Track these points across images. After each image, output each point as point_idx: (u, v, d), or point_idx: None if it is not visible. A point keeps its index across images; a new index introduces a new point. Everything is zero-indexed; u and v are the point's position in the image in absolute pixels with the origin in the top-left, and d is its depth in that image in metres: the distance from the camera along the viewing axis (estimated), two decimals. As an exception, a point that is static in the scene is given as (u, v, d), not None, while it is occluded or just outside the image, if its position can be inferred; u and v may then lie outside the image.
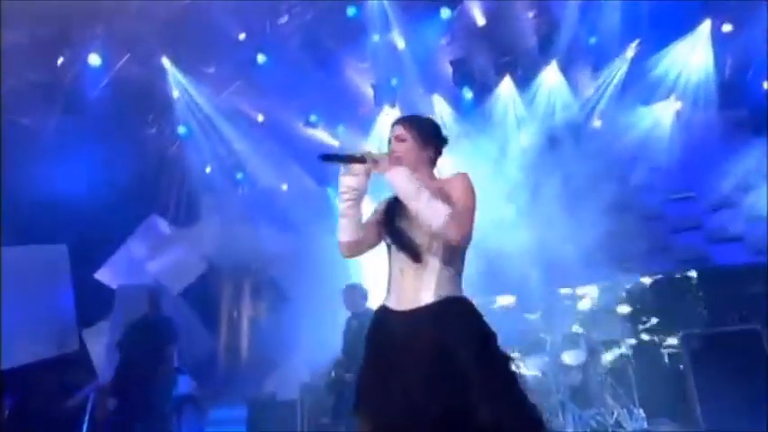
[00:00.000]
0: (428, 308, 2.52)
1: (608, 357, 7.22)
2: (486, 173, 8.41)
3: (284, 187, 9.64)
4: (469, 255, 2.65)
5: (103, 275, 8.45)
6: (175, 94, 8.71)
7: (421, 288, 2.55)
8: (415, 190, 2.45)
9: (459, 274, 2.62)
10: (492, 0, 8.53)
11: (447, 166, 2.87)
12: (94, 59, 8.17)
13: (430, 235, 2.55)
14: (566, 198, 8.58)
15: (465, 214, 2.50)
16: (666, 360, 7.54)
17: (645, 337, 8.42)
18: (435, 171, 2.78)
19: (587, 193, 8.60)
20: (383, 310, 2.65)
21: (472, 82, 8.96)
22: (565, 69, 8.71)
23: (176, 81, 8.65)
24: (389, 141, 2.73)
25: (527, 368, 6.94)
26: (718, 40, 8.04)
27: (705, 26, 8.06)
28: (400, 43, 8.68)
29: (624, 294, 8.27)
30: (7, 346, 6.61)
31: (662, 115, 8.61)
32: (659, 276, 8.42)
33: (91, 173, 8.08)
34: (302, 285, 8.84)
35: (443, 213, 2.44)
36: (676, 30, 8.18)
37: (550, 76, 8.76)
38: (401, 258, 2.62)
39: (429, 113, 8.81)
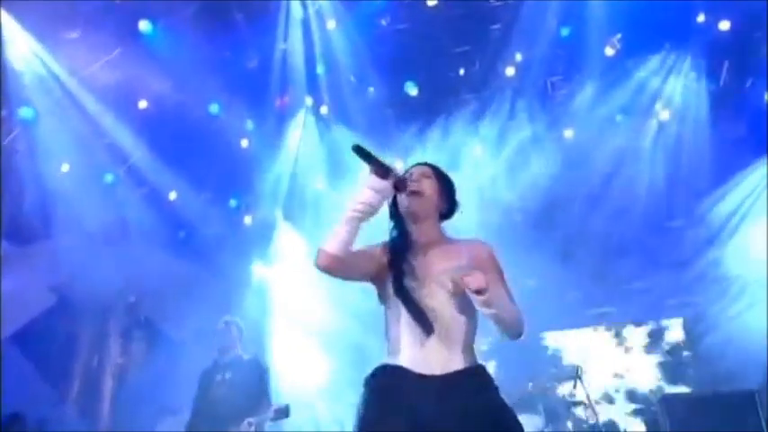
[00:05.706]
0: (463, 373, 2.42)
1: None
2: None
3: (172, 196, 7.68)
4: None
5: None
6: (18, 64, 6.67)
7: (450, 350, 2.43)
8: (498, 296, 2.40)
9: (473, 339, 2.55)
10: (446, -25, 6.99)
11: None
12: None
13: (448, 298, 2.46)
14: (526, 225, 7.47)
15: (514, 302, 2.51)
16: (644, 426, 7.07)
17: (618, 395, 7.29)
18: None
19: (550, 220, 7.36)
20: (402, 371, 2.42)
21: (417, 74, 7.54)
22: (530, 65, 7.26)
23: (19, 44, 6.63)
24: (406, 173, 2.60)
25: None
26: (713, 41, 6.78)
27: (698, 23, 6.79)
28: (330, 22, 7.34)
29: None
30: None
31: (643, 126, 7.27)
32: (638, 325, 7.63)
33: None
34: (191, 323, 7.03)
35: (519, 314, 2.48)
36: (664, 25, 6.84)
37: (512, 73, 7.33)
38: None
39: (362, 109, 7.26)
